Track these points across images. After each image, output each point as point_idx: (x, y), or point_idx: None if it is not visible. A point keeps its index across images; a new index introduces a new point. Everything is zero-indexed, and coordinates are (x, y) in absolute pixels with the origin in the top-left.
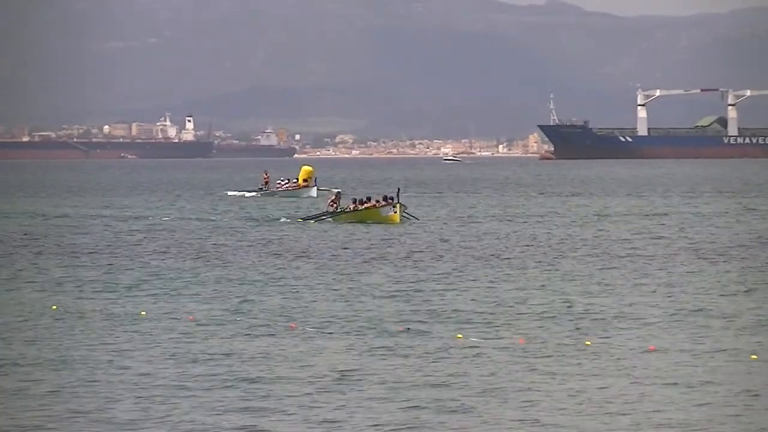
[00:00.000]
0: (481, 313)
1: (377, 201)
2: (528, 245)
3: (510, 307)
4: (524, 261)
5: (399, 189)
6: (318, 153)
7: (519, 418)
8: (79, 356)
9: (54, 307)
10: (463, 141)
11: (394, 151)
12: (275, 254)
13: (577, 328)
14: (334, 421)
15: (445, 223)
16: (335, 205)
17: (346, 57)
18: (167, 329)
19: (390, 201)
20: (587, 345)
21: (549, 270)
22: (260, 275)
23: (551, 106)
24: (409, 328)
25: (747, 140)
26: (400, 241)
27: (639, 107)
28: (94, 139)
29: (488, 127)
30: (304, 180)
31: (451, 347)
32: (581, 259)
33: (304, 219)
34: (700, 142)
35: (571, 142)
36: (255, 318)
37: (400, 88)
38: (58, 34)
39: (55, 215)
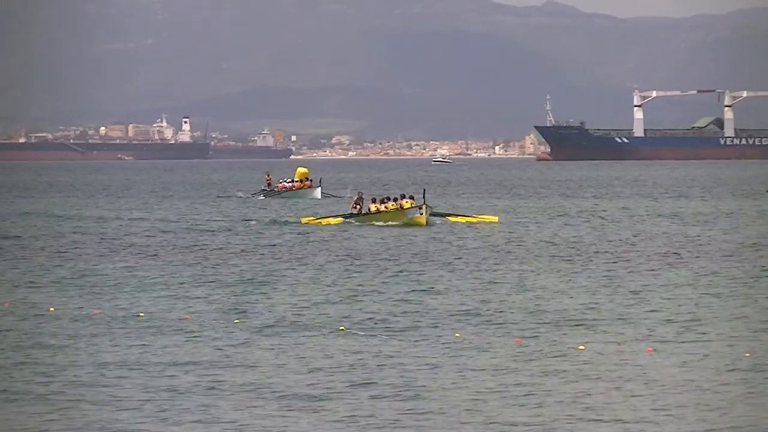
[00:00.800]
0: (472, 310)
1: (401, 203)
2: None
3: (501, 306)
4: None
5: (425, 190)
6: (314, 154)
7: (514, 420)
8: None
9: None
10: (459, 142)
11: (391, 152)
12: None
13: (574, 329)
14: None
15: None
16: (358, 206)
17: (343, 58)
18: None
19: (411, 200)
20: (580, 349)
21: (552, 271)
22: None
23: (548, 107)
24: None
25: (744, 141)
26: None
27: (635, 108)
28: (90, 141)
29: (485, 128)
30: (306, 180)
31: (447, 343)
32: (581, 261)
33: (322, 219)
34: (696, 144)
35: (568, 143)
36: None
37: (397, 89)
38: (56, 36)
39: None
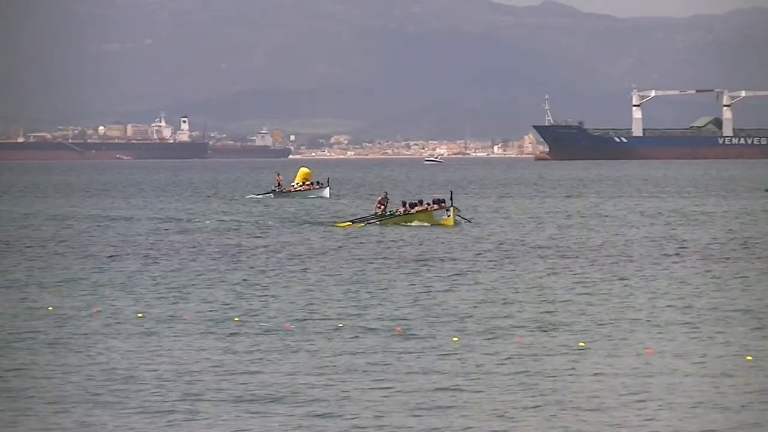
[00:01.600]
0: (474, 314)
1: (429, 204)
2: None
3: (504, 306)
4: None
5: (452, 192)
6: (313, 154)
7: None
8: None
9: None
10: (458, 142)
11: (389, 152)
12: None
13: (577, 330)
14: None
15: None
16: (383, 207)
17: (342, 58)
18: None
19: (441, 204)
20: (581, 346)
21: (555, 271)
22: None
23: (546, 107)
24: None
25: (742, 141)
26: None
27: (634, 108)
28: (89, 140)
29: (484, 128)
30: (312, 182)
31: (447, 348)
32: (579, 261)
33: (353, 221)
34: (695, 143)
35: (566, 142)
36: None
37: (396, 89)
38: (54, 36)
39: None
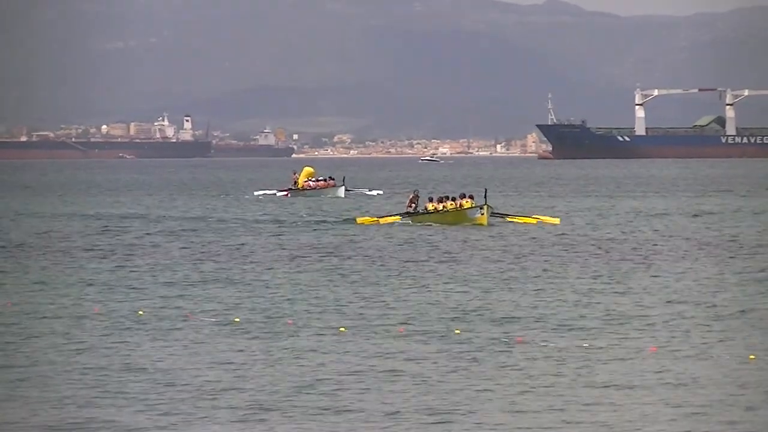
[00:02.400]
0: (473, 309)
1: (461, 202)
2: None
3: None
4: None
5: (486, 190)
6: (316, 153)
7: (503, 422)
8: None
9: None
10: (461, 141)
11: (392, 150)
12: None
13: (578, 328)
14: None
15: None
16: (414, 205)
17: (345, 57)
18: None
19: (471, 199)
20: (585, 346)
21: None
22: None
23: (549, 106)
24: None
25: (745, 140)
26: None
27: (637, 107)
28: (92, 139)
29: (487, 127)
30: (326, 178)
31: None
32: (583, 259)
33: (380, 219)
34: (698, 142)
35: (569, 141)
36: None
37: (399, 87)
38: (58, 34)
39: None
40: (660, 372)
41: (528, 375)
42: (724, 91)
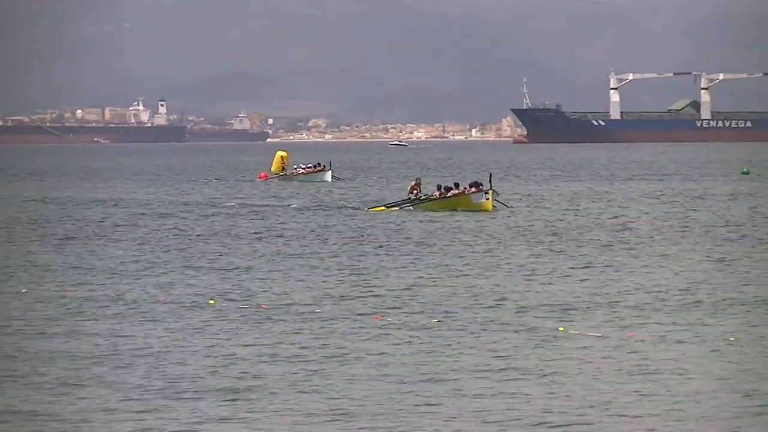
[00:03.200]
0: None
1: (465, 188)
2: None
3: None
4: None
5: (491, 175)
6: (291, 137)
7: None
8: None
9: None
10: (436, 125)
11: (367, 135)
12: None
13: (554, 313)
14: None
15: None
16: (416, 191)
17: (320, 41)
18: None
19: (477, 185)
20: (561, 331)
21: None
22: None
23: (524, 90)
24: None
25: (720, 124)
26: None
27: (612, 91)
28: (67, 124)
29: (462, 111)
30: (315, 165)
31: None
32: (563, 243)
33: (387, 206)
34: (673, 126)
35: (544, 125)
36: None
37: (375, 71)
38: (32, 19)
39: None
40: (634, 355)
41: (508, 355)
42: (699, 75)
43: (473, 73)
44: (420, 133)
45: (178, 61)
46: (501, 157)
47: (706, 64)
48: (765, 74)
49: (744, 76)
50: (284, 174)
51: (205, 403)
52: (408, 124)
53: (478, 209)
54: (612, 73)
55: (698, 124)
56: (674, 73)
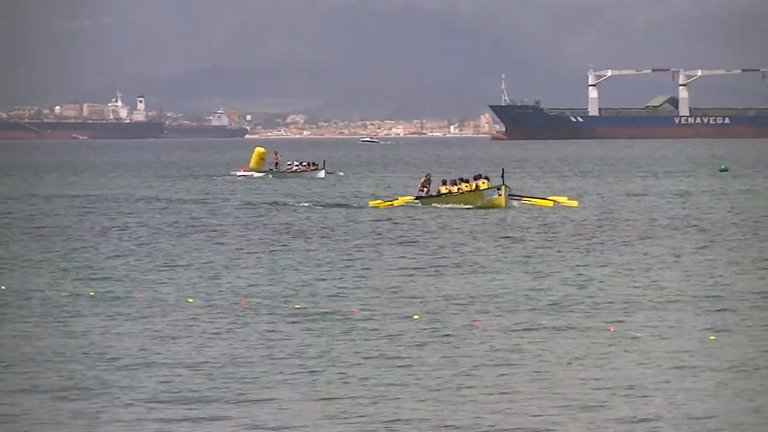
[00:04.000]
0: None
1: (477, 183)
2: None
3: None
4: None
5: (503, 170)
6: (269, 133)
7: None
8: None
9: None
10: (414, 121)
11: (346, 131)
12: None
13: (537, 310)
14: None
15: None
16: (426, 188)
17: (299, 37)
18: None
19: (487, 180)
20: (542, 323)
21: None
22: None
23: (502, 87)
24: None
25: (698, 120)
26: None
27: (590, 87)
28: (45, 120)
29: (440, 108)
30: (309, 163)
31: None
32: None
33: (391, 202)
34: (651, 123)
35: (523, 122)
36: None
37: (353, 68)
38: (9, 13)
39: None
40: (617, 352)
41: (491, 353)
42: (677, 71)
43: (452, 69)
44: (398, 130)
45: (156, 57)
46: (476, 153)
47: (685, 60)
48: (743, 71)
49: (722, 72)
50: (275, 170)
51: (182, 404)
52: (386, 121)
53: (491, 206)
54: (590, 70)
55: (676, 121)
56: (652, 70)
